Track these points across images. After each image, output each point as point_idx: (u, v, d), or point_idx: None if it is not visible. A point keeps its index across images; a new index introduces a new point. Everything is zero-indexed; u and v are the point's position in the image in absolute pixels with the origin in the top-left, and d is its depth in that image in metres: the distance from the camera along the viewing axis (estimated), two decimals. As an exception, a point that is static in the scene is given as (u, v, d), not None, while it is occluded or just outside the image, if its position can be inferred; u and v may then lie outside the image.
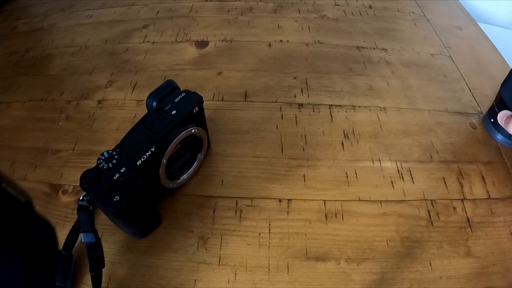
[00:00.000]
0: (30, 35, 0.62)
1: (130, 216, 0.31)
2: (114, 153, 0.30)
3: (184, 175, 0.38)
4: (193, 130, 0.35)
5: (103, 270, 0.31)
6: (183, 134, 0.33)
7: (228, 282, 0.32)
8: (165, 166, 0.33)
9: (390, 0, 0.66)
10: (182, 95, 0.34)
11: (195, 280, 0.32)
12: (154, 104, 0.33)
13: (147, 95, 0.34)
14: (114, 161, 0.29)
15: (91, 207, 0.32)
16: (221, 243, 0.34)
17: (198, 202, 0.37)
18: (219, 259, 0.34)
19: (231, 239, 0.35)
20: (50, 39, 0.60)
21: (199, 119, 0.36)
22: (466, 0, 0.70)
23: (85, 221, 0.31)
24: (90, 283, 0.31)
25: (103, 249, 0.31)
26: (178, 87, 0.35)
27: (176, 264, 0.33)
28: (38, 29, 0.63)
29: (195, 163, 0.39)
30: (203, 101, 0.35)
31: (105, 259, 0.32)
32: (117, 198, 0.28)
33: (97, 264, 0.31)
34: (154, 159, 0.32)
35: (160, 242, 0.35)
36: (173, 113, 0.33)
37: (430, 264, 0.33)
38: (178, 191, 0.38)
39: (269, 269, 0.33)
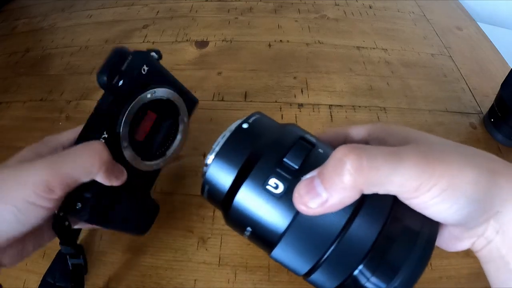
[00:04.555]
0: (30, 35, 0.62)
1: (115, 219, 0.28)
2: None
3: (171, 148, 0.32)
4: (148, 95, 0.28)
5: (103, 270, 0.31)
6: (134, 105, 0.27)
7: (228, 282, 0.32)
8: (132, 150, 0.28)
9: (390, 0, 0.66)
10: (129, 59, 0.28)
11: (195, 280, 0.32)
12: (104, 79, 0.27)
13: None
14: None
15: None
16: (221, 243, 0.34)
17: (198, 202, 0.37)
18: (219, 259, 0.34)
19: (231, 239, 0.35)
20: (50, 39, 0.60)
21: (158, 78, 0.30)
22: (466, 0, 0.70)
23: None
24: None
25: (103, 248, 0.31)
26: (130, 53, 0.28)
27: (176, 264, 0.33)
28: (38, 29, 0.63)
29: (180, 130, 0.32)
30: (151, 56, 0.29)
31: (105, 259, 0.32)
32: (79, 205, 0.25)
33: (78, 272, 0.30)
34: (113, 147, 0.27)
35: (160, 242, 0.35)
36: (120, 84, 0.27)
37: (430, 264, 0.33)
38: (177, 191, 0.38)
39: (269, 269, 0.33)
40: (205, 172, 0.21)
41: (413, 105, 0.47)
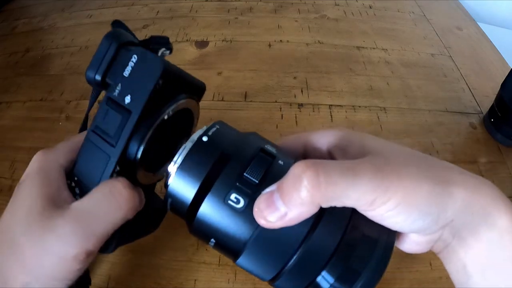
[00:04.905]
0: (30, 35, 0.62)
1: (130, 234, 0.27)
2: (73, 184, 0.23)
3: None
4: (166, 116, 0.23)
5: (103, 270, 0.31)
6: (153, 129, 0.23)
7: (228, 282, 0.32)
8: (145, 172, 0.25)
9: (390, 0, 0.66)
10: (133, 61, 0.22)
11: (195, 280, 0.32)
12: (98, 79, 0.23)
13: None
14: (77, 197, 0.23)
15: None
16: (221, 243, 0.34)
17: (198, 202, 0.37)
18: (219, 259, 0.34)
19: (231, 239, 0.35)
20: (50, 39, 0.60)
21: (172, 86, 0.23)
22: (466, 0, 0.70)
23: None
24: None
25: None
26: (127, 42, 0.23)
27: (176, 264, 0.33)
28: (38, 29, 0.62)
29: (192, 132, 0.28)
30: (162, 58, 0.22)
31: (105, 259, 0.32)
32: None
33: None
34: (127, 175, 0.23)
35: (160, 242, 0.35)
36: (126, 101, 0.22)
37: (430, 264, 0.33)
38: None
39: (269, 269, 0.33)
40: (167, 186, 0.21)
41: (413, 105, 0.47)
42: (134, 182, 0.24)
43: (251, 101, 0.47)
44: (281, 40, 0.56)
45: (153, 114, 0.22)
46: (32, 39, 0.60)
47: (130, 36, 0.24)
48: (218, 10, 0.63)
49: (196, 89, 0.27)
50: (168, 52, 0.26)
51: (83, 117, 0.27)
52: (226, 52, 0.54)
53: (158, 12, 0.63)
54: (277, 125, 0.44)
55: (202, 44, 0.56)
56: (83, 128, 0.28)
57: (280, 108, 0.46)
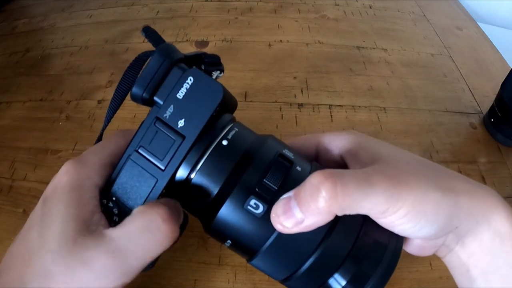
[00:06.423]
0: (30, 35, 0.62)
1: None
2: (111, 204, 0.22)
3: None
4: (216, 141, 0.22)
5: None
6: (205, 159, 0.22)
7: (228, 282, 0.32)
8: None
9: (390, 0, 0.66)
10: (188, 83, 0.21)
11: (195, 280, 0.32)
12: (145, 96, 0.21)
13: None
14: (116, 218, 0.22)
15: None
16: (221, 243, 0.34)
17: (198, 202, 0.37)
18: (219, 259, 0.34)
19: (231, 239, 0.35)
20: (50, 39, 0.60)
21: (223, 109, 0.23)
22: (466, 0, 0.70)
23: None
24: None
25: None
26: (180, 59, 0.22)
27: (176, 264, 0.33)
28: (38, 29, 0.62)
29: None
30: (224, 92, 0.21)
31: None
32: None
33: None
34: (170, 194, 0.23)
35: (160, 242, 0.35)
36: (179, 125, 0.21)
37: (430, 264, 0.33)
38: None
39: (269, 269, 0.33)
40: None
41: (413, 105, 0.47)
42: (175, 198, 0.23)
43: (251, 101, 0.47)
44: (281, 40, 0.56)
45: (205, 139, 0.21)
46: (32, 39, 0.60)
47: (181, 53, 0.23)
48: (218, 10, 0.63)
49: (233, 106, 0.27)
50: (221, 74, 0.25)
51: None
52: (226, 52, 0.54)
53: (158, 12, 0.63)
54: (277, 125, 0.44)
55: (202, 44, 0.56)
56: (101, 136, 0.27)
57: (280, 108, 0.46)
